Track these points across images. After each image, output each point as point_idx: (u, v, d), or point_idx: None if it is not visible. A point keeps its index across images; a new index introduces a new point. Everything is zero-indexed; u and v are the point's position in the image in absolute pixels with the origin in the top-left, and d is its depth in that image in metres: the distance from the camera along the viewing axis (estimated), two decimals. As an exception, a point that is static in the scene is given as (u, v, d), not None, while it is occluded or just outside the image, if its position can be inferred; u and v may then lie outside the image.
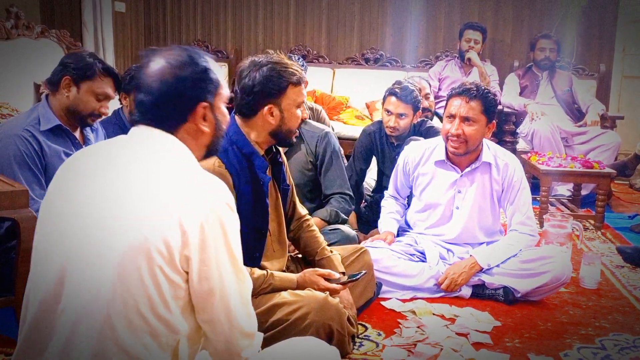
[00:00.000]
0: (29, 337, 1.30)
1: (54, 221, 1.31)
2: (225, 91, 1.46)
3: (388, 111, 3.33)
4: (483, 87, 2.74)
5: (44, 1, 5.46)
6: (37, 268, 1.31)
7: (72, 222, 1.28)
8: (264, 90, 2.00)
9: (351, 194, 3.00)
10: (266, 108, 2.02)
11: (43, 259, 1.30)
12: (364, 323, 2.44)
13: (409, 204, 3.13)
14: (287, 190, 2.27)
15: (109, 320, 1.23)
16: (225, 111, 1.48)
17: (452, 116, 2.72)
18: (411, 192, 3.09)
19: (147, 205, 1.25)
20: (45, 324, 1.28)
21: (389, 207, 3.08)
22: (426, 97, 3.89)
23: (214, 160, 1.98)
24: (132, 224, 1.24)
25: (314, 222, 2.67)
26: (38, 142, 2.36)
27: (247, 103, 2.03)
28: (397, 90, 3.29)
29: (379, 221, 3.07)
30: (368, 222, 3.43)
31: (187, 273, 1.28)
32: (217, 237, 1.29)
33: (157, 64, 1.37)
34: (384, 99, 3.38)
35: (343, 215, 2.90)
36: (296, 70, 2.05)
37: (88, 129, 2.58)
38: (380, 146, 3.50)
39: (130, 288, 1.23)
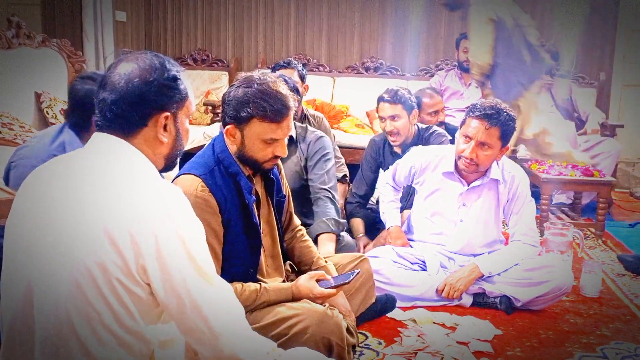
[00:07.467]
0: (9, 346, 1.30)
1: (20, 238, 1.29)
2: (192, 106, 1.42)
3: (382, 118, 3.36)
4: (505, 113, 2.64)
5: (45, 10, 5.48)
6: (6, 287, 1.31)
7: (35, 238, 1.27)
8: (230, 110, 1.93)
9: (334, 192, 2.92)
10: (229, 127, 1.95)
11: (12, 277, 1.29)
12: (364, 332, 2.43)
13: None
14: (283, 202, 2.23)
15: (75, 335, 1.22)
16: (188, 127, 1.44)
17: (468, 137, 2.69)
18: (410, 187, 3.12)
19: (99, 218, 1.23)
20: (20, 342, 1.27)
21: (389, 195, 3.10)
22: (440, 111, 3.98)
23: (196, 185, 1.92)
24: (86, 238, 1.22)
25: (327, 244, 2.64)
26: None
27: (222, 112, 1.99)
28: (384, 95, 3.34)
29: (382, 210, 3.10)
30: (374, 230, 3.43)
31: (149, 285, 1.25)
32: (176, 246, 1.25)
33: (127, 65, 1.34)
34: (377, 109, 3.40)
35: (342, 221, 2.85)
36: (275, 106, 1.90)
37: None
38: (384, 156, 3.51)
39: (90, 302, 1.21)
